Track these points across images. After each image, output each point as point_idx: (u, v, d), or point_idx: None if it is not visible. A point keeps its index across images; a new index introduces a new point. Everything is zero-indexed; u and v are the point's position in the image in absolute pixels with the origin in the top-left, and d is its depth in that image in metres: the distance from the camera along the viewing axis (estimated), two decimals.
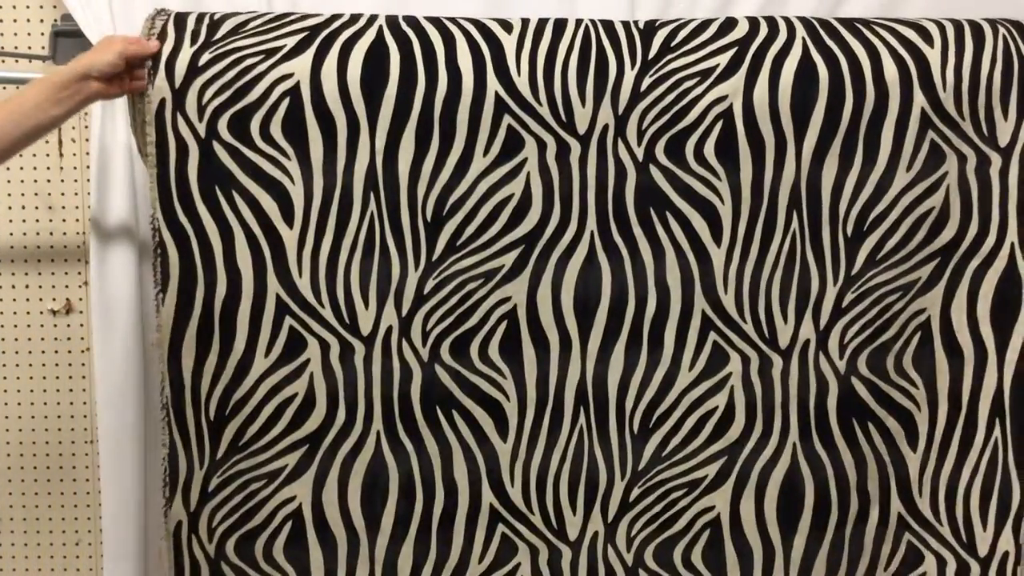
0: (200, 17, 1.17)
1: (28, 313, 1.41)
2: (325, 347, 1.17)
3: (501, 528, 1.21)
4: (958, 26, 1.19)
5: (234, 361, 1.17)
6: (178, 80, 1.13)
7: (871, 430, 1.21)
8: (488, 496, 1.20)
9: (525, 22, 1.18)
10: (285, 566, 1.20)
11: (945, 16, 1.21)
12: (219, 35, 1.15)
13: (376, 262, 1.17)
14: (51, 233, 1.39)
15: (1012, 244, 1.19)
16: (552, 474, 1.21)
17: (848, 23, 1.20)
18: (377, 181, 1.15)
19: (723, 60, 1.16)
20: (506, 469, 1.20)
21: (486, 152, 1.15)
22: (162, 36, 1.14)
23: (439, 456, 1.20)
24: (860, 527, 1.22)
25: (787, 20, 1.19)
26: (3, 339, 1.41)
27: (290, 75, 1.13)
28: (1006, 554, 1.23)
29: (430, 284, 1.17)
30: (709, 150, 1.16)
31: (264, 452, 1.18)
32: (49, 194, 1.39)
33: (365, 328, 1.18)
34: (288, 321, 1.17)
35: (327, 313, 1.17)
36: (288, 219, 1.15)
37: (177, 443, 1.18)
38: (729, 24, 1.19)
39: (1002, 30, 1.19)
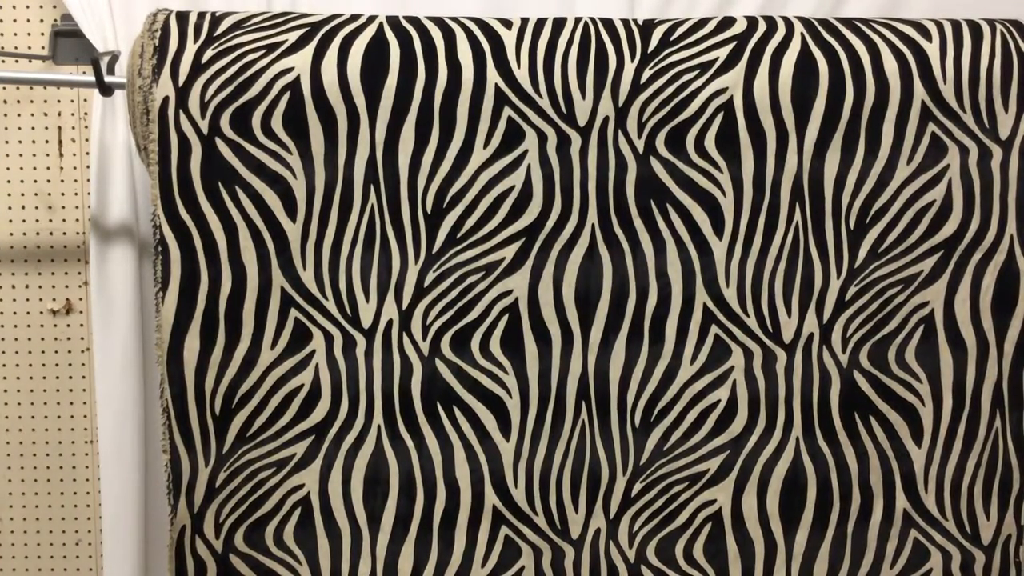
0: (201, 14, 1.17)
1: (28, 313, 1.40)
2: (329, 339, 1.17)
3: (504, 531, 1.21)
4: (956, 24, 1.20)
5: (240, 354, 1.17)
6: (182, 78, 1.13)
7: (873, 424, 1.21)
8: (491, 498, 1.20)
9: (525, 20, 1.19)
10: (296, 550, 1.20)
11: (945, 18, 1.22)
12: (220, 31, 1.15)
13: (376, 255, 1.17)
14: (51, 233, 1.39)
15: (1011, 237, 1.19)
16: (555, 472, 1.20)
17: (846, 21, 1.20)
18: (377, 174, 1.16)
19: (722, 54, 1.16)
20: (509, 469, 1.20)
21: (486, 144, 1.15)
22: (164, 34, 1.15)
23: (440, 454, 1.19)
24: (863, 523, 1.22)
25: (784, 18, 1.20)
26: (3, 339, 1.41)
27: (290, 69, 1.13)
28: (1009, 537, 1.23)
29: (430, 277, 1.17)
30: (710, 142, 1.16)
31: (272, 441, 1.18)
32: (49, 194, 1.39)
33: (366, 321, 1.17)
34: (293, 313, 1.17)
35: (330, 305, 1.17)
36: (291, 213, 1.15)
37: (179, 446, 1.18)
38: (727, 21, 1.19)
39: (1000, 27, 1.20)
